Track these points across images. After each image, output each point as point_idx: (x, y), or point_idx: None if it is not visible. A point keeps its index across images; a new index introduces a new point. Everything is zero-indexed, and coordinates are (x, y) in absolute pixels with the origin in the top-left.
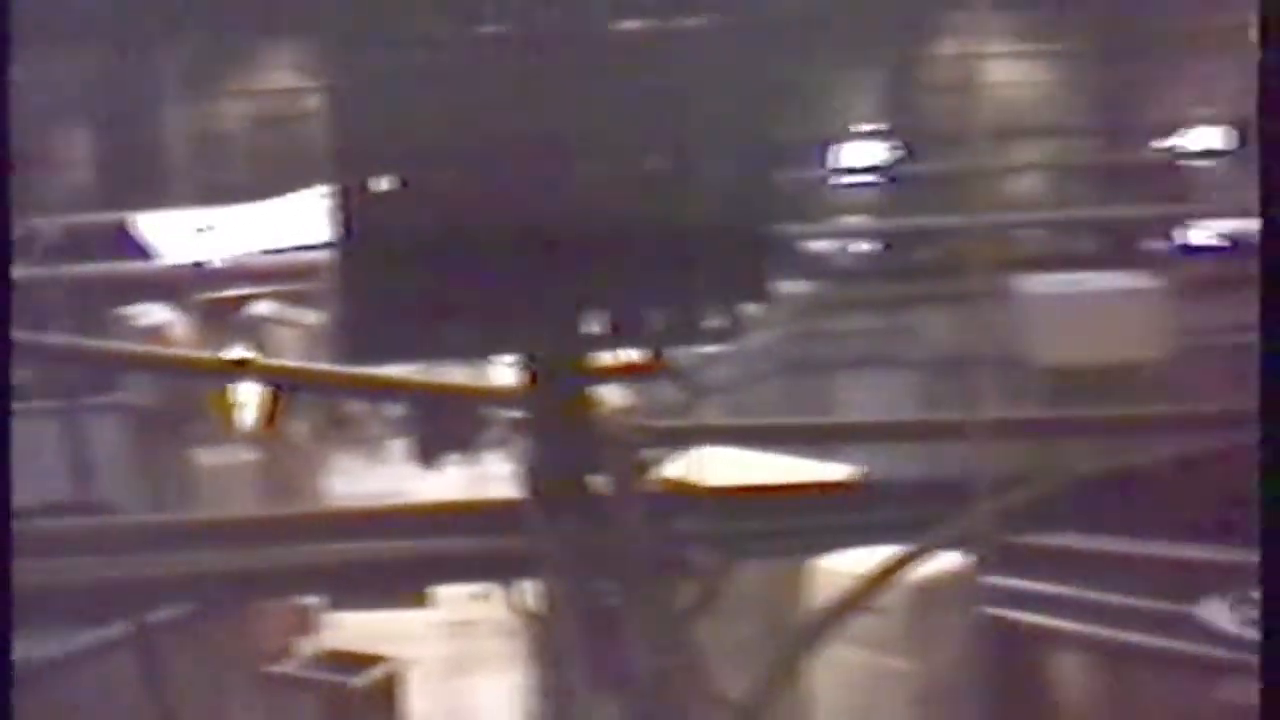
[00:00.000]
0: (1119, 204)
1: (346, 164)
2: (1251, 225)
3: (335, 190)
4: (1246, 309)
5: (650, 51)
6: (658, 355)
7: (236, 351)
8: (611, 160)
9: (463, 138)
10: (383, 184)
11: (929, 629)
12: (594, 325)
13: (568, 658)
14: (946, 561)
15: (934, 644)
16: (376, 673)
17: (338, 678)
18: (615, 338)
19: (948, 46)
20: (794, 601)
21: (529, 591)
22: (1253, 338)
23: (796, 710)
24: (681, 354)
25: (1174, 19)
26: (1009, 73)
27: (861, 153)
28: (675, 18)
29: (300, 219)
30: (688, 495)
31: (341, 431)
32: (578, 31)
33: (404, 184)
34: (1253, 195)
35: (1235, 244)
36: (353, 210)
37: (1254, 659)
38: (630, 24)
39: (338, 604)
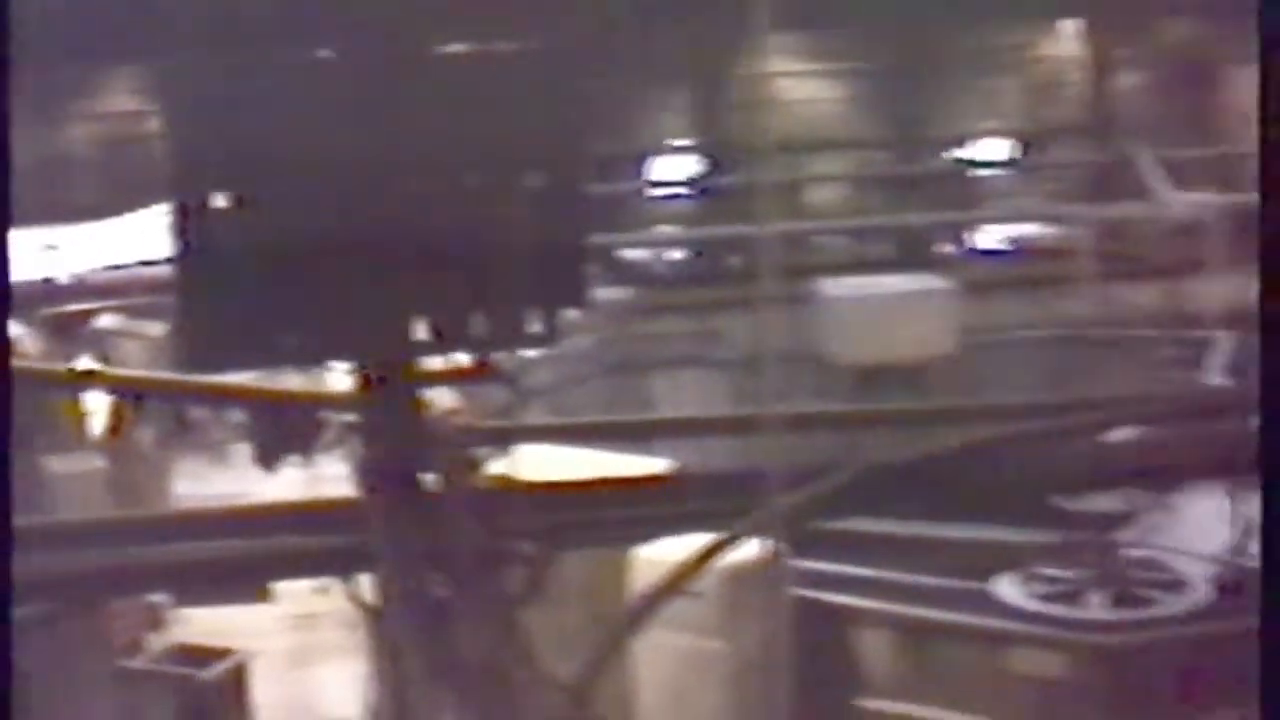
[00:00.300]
0: (912, 211)
1: (185, 183)
2: (1033, 229)
3: (175, 208)
4: (1032, 306)
5: (473, 73)
6: (484, 360)
7: (84, 363)
8: (437, 176)
9: (297, 157)
10: (220, 201)
11: (742, 611)
12: (423, 332)
13: (404, 647)
14: (757, 547)
15: (747, 625)
16: (224, 665)
17: (188, 671)
18: (442, 344)
19: (752, 66)
20: (616, 589)
21: (366, 585)
22: (1037, 332)
23: (621, 691)
24: (507, 358)
25: (960, 39)
26: (810, 90)
27: (674, 166)
28: (495, 41)
29: (143, 236)
30: (514, 491)
31: (186, 437)
32: (404, 56)
33: (240, 201)
34: (1033, 201)
35: (1020, 247)
36: (192, 227)
37: (1042, 630)
38: (453, 48)
39: (186, 600)
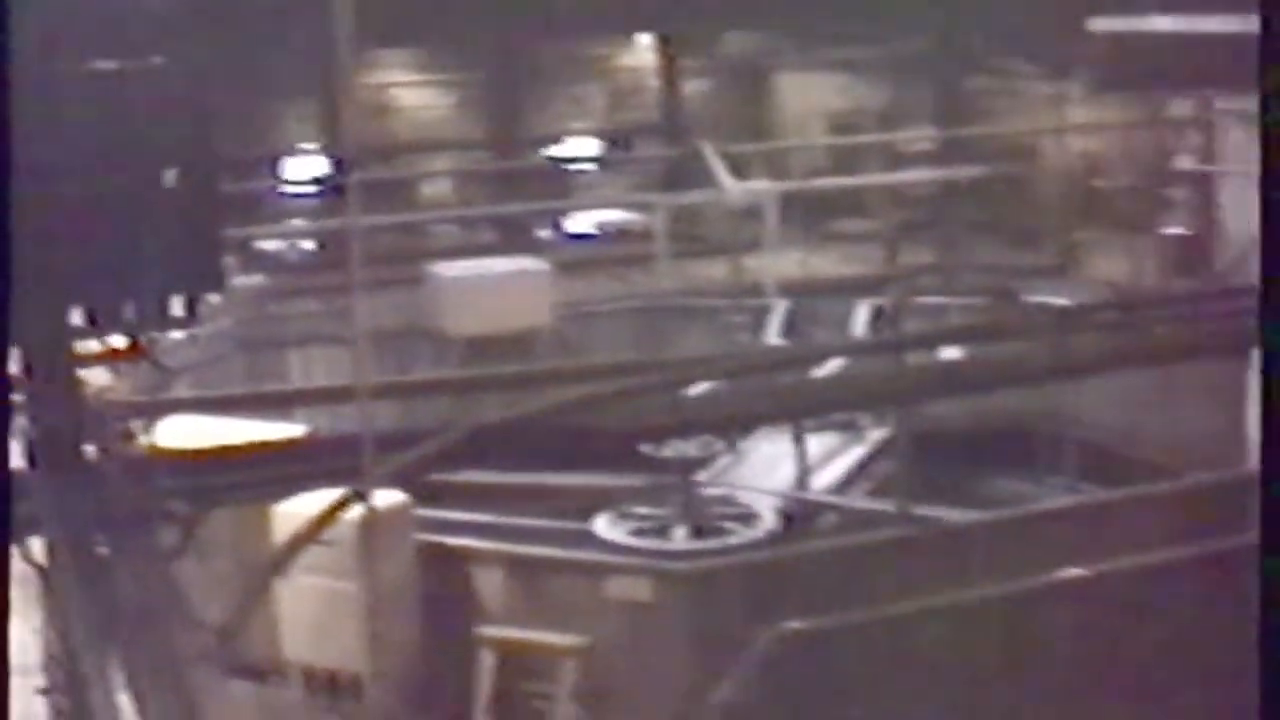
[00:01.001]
0: (513, 202)
1: None
2: (617, 215)
3: None
4: (618, 282)
5: (120, 87)
6: (135, 342)
7: None
8: (90, 179)
9: None
10: None
11: (372, 556)
12: (79, 319)
13: (72, 600)
14: (384, 499)
15: (377, 568)
16: None
17: None
18: (97, 328)
19: (371, 77)
20: (258, 541)
21: (37, 547)
22: (623, 304)
23: (266, 630)
24: (155, 340)
25: (549, 51)
26: (423, 98)
27: (303, 167)
28: (142, 58)
29: None
30: (165, 457)
31: None
32: (62, 71)
33: None
34: (617, 191)
35: (606, 231)
36: None
37: (634, 561)
38: (104, 64)
39: None
